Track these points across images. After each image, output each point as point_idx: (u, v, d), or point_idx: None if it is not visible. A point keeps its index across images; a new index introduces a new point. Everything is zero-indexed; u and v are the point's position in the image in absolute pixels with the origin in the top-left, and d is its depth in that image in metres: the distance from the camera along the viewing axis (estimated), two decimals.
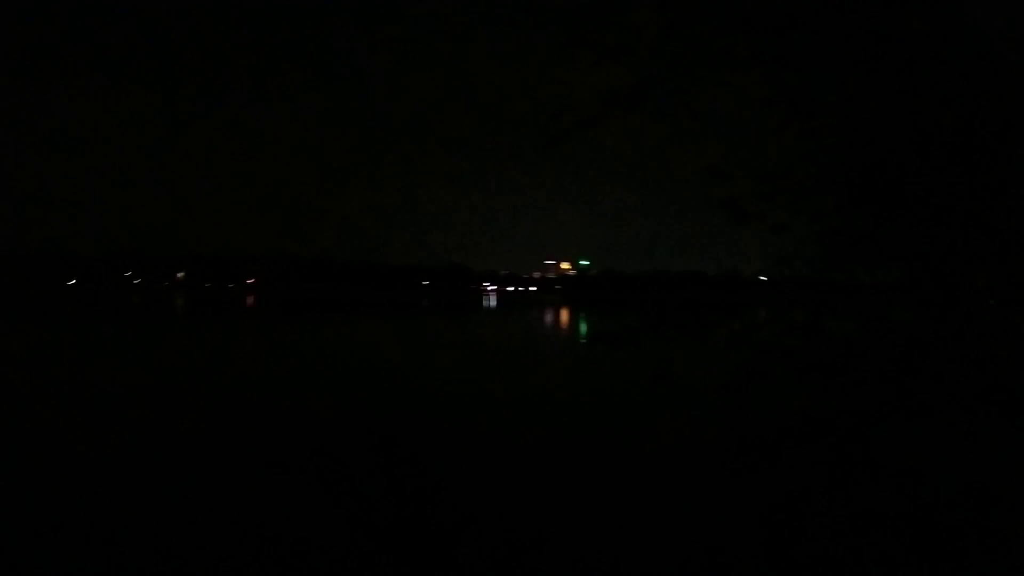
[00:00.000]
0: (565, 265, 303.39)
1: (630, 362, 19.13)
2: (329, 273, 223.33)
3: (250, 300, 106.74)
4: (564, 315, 68.96)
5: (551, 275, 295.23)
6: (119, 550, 6.62)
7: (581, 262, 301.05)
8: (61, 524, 7.26)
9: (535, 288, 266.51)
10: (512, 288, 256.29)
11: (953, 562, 4.82)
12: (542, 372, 22.03)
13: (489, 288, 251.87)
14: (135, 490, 8.40)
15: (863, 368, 4.20)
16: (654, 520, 7.56)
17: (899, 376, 4.14)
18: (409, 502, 8.06)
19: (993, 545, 4.31)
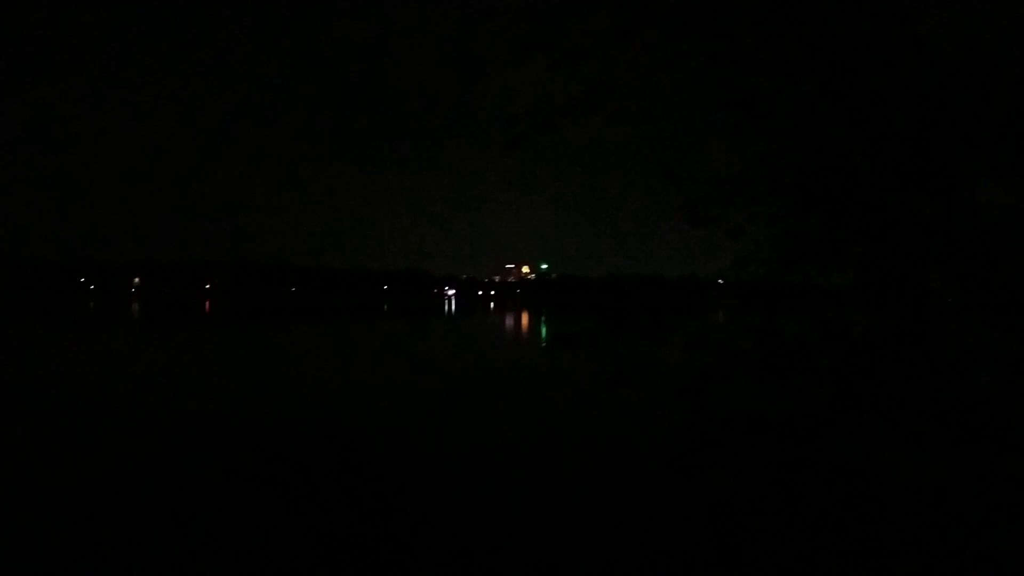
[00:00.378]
0: (525, 269, 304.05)
1: (589, 365, 19.22)
2: (287, 278, 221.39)
3: (207, 306, 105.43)
4: (524, 319, 69.13)
5: (511, 279, 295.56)
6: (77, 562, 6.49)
7: (541, 266, 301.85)
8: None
9: (495, 292, 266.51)
10: (472, 292, 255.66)
11: (905, 561, 4.89)
12: (501, 376, 22.05)
13: (449, 292, 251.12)
14: (94, 500, 8.25)
15: (817, 369, 4.24)
16: (610, 520, 7.59)
17: (853, 377, 4.19)
18: (370, 509, 8.00)
19: (945, 544, 4.38)
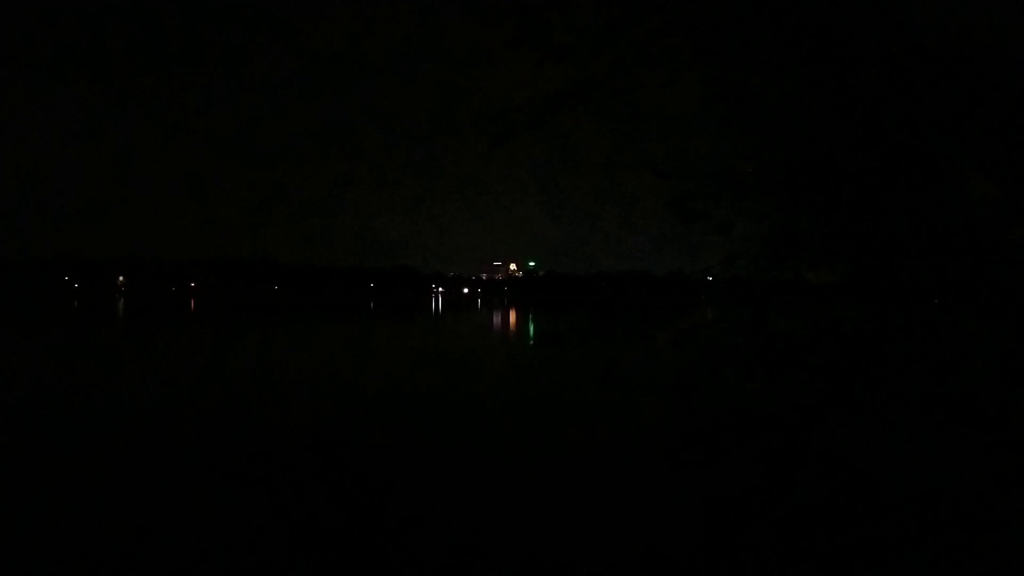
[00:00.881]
0: (512, 266, 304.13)
1: (578, 362, 19.23)
2: (273, 275, 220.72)
3: (192, 304, 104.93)
4: (512, 316, 69.14)
5: (499, 276, 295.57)
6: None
7: (528, 263, 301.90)
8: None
9: (482, 289, 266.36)
10: (459, 290, 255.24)
11: (895, 555, 4.90)
12: (490, 374, 22.02)
13: (440, 290, 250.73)
14: (81, 500, 8.18)
15: (807, 365, 4.23)
16: (602, 516, 7.57)
17: (842, 373, 4.18)
18: (360, 506, 7.96)
19: (935, 538, 4.39)
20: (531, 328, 49.79)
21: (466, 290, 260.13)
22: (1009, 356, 3.89)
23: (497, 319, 64.20)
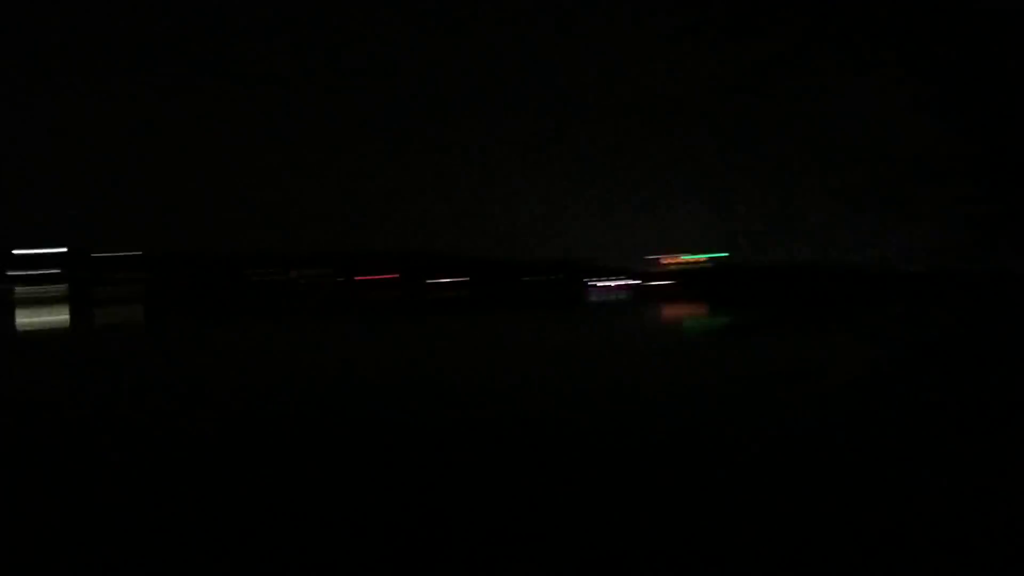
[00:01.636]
0: (686, 258, 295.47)
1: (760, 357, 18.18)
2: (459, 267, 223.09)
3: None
4: (693, 310, 65.10)
5: (663, 268, 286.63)
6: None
7: (703, 255, 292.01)
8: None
9: (659, 283, 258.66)
10: (619, 282, 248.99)
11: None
12: (650, 370, 19.83)
13: (610, 284, 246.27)
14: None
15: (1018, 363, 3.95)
16: (773, 516, 7.13)
17: None
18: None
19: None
20: (702, 321, 46.94)
21: (627, 282, 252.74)
22: None
23: (662, 312, 59.82)
